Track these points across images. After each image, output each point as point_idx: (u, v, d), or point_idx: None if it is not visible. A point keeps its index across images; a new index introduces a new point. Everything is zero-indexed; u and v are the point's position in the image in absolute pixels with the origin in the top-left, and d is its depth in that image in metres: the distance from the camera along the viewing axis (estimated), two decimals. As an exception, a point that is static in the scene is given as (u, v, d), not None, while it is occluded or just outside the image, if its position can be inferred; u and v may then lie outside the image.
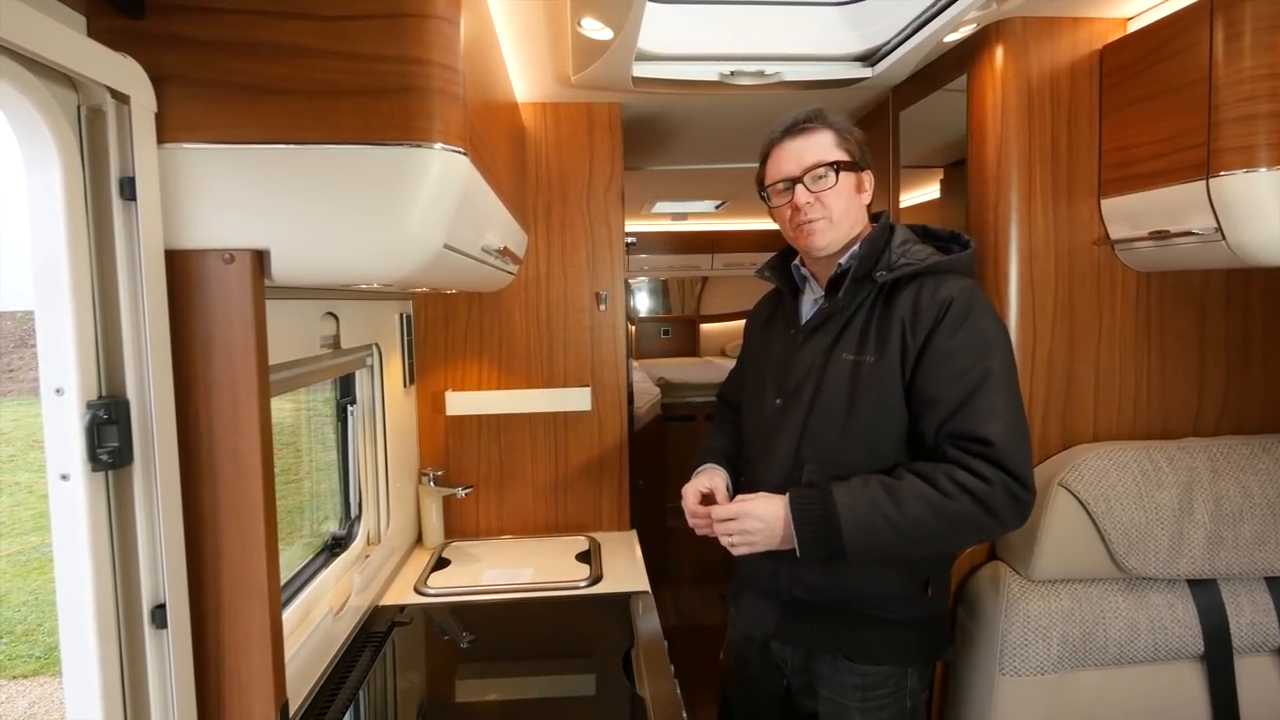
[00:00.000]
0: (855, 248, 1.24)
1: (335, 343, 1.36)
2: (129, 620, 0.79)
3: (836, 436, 1.20)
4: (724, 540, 1.20)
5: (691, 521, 1.28)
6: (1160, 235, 1.35)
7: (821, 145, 1.22)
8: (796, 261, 1.34)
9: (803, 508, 1.14)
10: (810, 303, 1.32)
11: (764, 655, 1.36)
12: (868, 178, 1.26)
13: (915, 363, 1.15)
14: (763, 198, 1.30)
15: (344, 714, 1.19)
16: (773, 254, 1.41)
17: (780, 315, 1.38)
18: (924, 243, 1.25)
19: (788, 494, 1.17)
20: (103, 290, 0.76)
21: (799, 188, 1.21)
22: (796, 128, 1.23)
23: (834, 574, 1.20)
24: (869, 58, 1.70)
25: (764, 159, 1.29)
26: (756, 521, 1.16)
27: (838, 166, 1.20)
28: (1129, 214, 1.44)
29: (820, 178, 1.21)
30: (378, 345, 1.63)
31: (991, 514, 1.09)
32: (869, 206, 1.28)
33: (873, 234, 1.24)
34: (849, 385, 1.19)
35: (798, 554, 1.14)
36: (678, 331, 5.78)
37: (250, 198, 0.85)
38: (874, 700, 1.23)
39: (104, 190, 0.76)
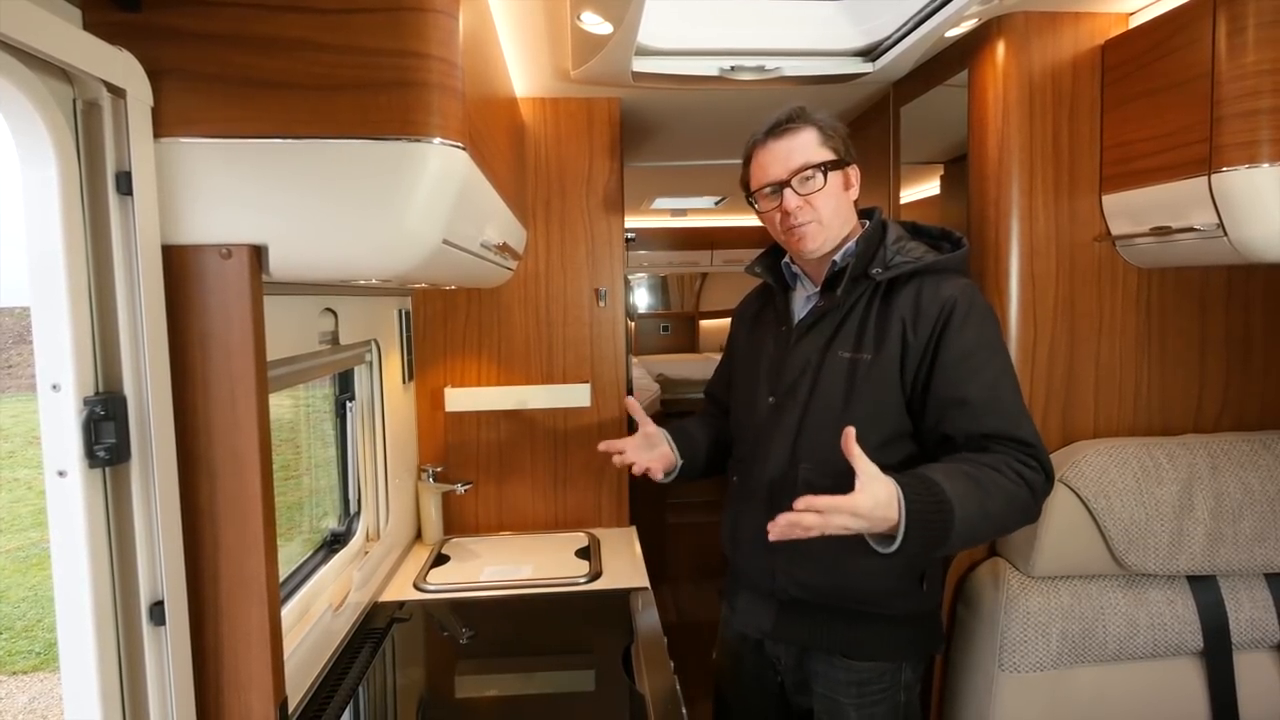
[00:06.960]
0: (850, 245, 1.22)
1: (334, 339, 1.35)
2: (127, 617, 0.79)
3: (832, 434, 1.16)
4: (804, 526, 0.99)
5: (606, 446, 1.40)
6: (1162, 231, 1.35)
7: (806, 145, 1.19)
8: (787, 259, 1.32)
9: (918, 501, 1.00)
10: (802, 299, 1.31)
11: (758, 654, 1.35)
12: (854, 173, 1.24)
13: (929, 364, 1.14)
14: (749, 202, 1.28)
15: (343, 711, 1.19)
16: (762, 250, 1.39)
17: (770, 312, 1.37)
18: (915, 239, 1.24)
19: (896, 483, 1.01)
20: (99, 286, 0.76)
21: (787, 192, 1.19)
22: (779, 128, 1.21)
23: (832, 571, 1.20)
24: (870, 53, 1.70)
25: (747, 161, 1.27)
26: (869, 500, 0.99)
27: (825, 167, 1.18)
28: (1130, 210, 1.43)
29: (808, 179, 1.19)
30: (376, 341, 1.63)
31: (1038, 506, 1.10)
32: (856, 202, 1.27)
33: (867, 231, 1.22)
34: (845, 383, 1.18)
35: (896, 545, 1.00)
36: (677, 328, 5.78)
37: (248, 192, 0.84)
38: (869, 696, 1.23)
39: (100, 185, 0.75)
